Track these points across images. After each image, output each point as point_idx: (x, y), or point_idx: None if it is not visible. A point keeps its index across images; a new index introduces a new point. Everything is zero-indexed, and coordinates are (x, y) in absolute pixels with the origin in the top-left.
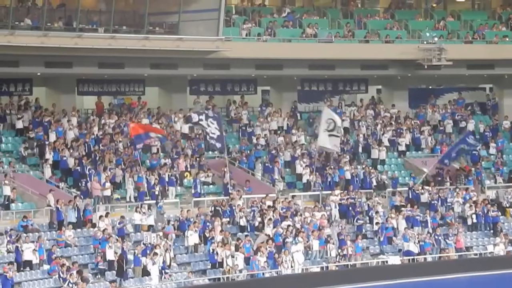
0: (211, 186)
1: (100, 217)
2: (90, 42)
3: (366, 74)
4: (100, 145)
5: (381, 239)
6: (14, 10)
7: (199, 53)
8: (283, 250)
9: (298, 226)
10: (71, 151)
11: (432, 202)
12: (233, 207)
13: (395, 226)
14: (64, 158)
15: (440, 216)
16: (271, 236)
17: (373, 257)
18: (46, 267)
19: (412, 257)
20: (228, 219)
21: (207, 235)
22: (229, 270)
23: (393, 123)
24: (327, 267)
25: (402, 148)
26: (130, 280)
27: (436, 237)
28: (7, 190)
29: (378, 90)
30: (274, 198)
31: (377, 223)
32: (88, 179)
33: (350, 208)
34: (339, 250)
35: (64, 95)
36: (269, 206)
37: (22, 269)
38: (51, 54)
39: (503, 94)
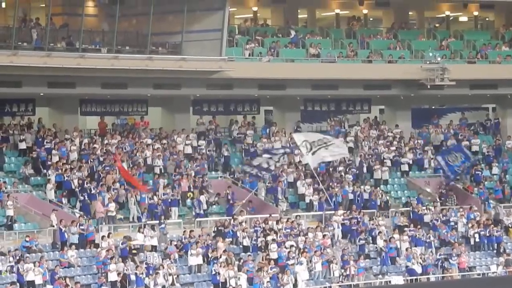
0: (214, 206)
1: (103, 237)
2: (93, 62)
3: (369, 94)
4: (103, 165)
5: (384, 259)
6: (17, 31)
7: (202, 73)
8: (285, 270)
9: (301, 246)
10: (74, 171)
11: (433, 221)
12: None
13: (398, 246)
14: (67, 179)
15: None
16: (271, 256)
17: (376, 277)
18: (49, 287)
19: (415, 277)
20: (231, 239)
21: (210, 255)
22: None
23: (396, 143)
24: (330, 287)
25: (405, 168)
26: None
27: (439, 257)
28: (10, 211)
29: (381, 110)
30: (277, 218)
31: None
32: (91, 198)
33: (353, 228)
34: (342, 270)
35: (67, 115)
36: (271, 228)
37: None
38: (54, 75)
39: (506, 114)
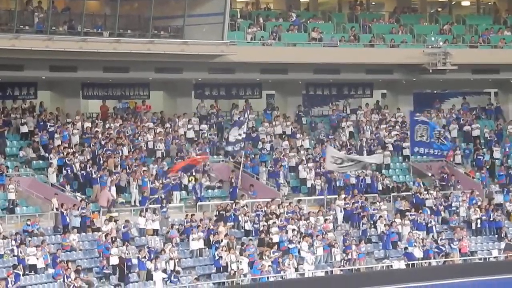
0: (216, 190)
1: (104, 221)
2: (95, 46)
3: (371, 78)
4: (105, 149)
5: (386, 243)
6: (18, 14)
7: (204, 57)
8: (288, 254)
9: (303, 230)
10: (76, 155)
11: (435, 206)
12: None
13: (400, 231)
14: (69, 162)
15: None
16: (273, 240)
17: (378, 262)
18: (50, 271)
19: (416, 261)
20: (232, 223)
21: (212, 239)
22: (233, 274)
23: (397, 127)
24: (331, 271)
25: (406, 152)
26: (135, 284)
27: (441, 241)
28: (11, 194)
29: (383, 94)
30: (278, 203)
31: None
32: (92, 183)
33: (355, 212)
34: (344, 255)
35: (68, 99)
36: (272, 212)
37: (26, 273)
38: (56, 58)
39: (508, 98)
